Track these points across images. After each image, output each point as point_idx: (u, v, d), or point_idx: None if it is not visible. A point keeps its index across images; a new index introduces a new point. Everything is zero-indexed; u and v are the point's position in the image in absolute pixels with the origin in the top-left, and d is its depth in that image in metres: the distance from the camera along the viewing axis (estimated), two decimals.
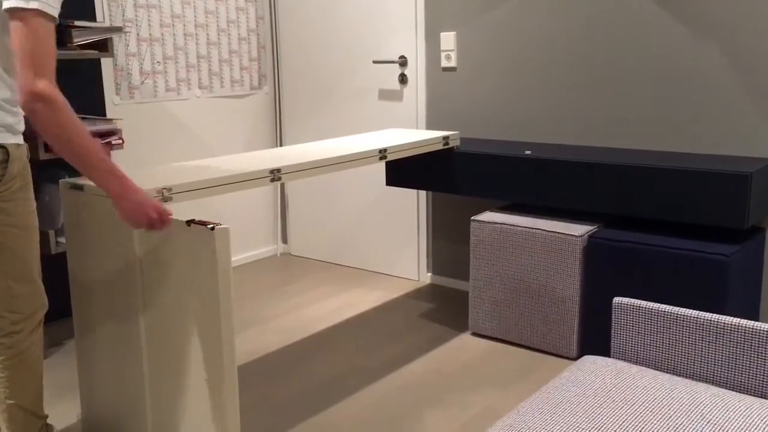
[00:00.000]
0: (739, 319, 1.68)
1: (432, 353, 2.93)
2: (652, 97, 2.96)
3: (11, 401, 2.02)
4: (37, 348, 2.05)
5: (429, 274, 3.80)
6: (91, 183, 2.23)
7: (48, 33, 1.68)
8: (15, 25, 1.65)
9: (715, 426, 1.46)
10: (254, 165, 2.31)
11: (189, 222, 1.83)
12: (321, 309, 3.46)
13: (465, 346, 2.99)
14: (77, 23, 2.96)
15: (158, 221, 1.81)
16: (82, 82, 3.25)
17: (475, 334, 3.10)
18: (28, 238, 1.93)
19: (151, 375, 2.07)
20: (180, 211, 1.97)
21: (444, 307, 3.44)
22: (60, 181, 2.16)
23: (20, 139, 1.92)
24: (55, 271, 3.13)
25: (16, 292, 1.94)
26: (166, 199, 1.98)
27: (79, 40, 2.96)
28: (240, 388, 2.67)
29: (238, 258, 4.18)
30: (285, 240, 4.41)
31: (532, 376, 2.70)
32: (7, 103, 1.88)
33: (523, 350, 2.93)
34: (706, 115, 2.85)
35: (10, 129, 1.88)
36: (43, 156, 2.89)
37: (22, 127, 1.94)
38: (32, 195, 1.96)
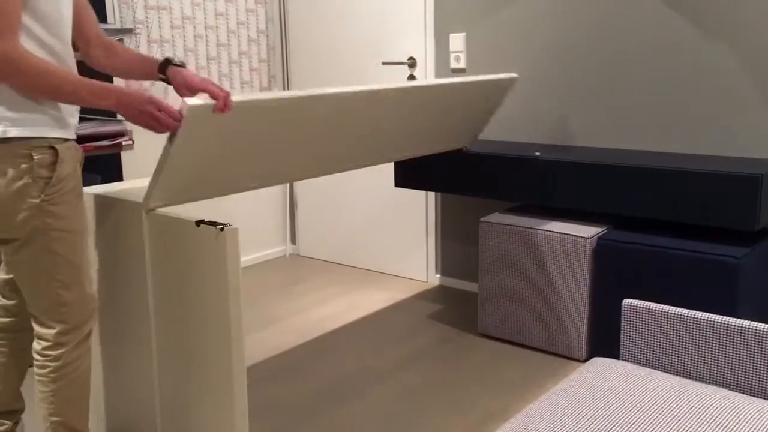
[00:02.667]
0: (749, 322, 1.67)
1: (440, 354, 2.93)
2: (661, 98, 2.95)
3: (55, 418, 1.89)
4: (84, 361, 1.91)
5: (437, 276, 3.80)
6: (100, 189, 2.24)
7: None
8: None
9: (725, 429, 1.45)
10: None
11: (198, 222, 1.83)
12: (329, 309, 3.46)
13: (473, 347, 2.99)
14: None
15: (164, 118, 1.74)
16: None
17: (483, 335, 3.10)
18: (78, 243, 1.83)
19: (160, 375, 2.08)
20: (188, 211, 1.97)
21: (452, 309, 3.44)
22: None
23: (70, 133, 1.80)
24: None
25: (65, 300, 1.82)
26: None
27: None
28: (249, 388, 2.68)
29: (246, 258, 4.19)
30: (294, 241, 4.42)
31: (540, 378, 2.70)
32: None
33: (531, 352, 2.93)
34: (717, 116, 2.84)
35: (58, 121, 1.76)
36: None
37: (73, 120, 1.83)
38: (82, 196, 1.87)
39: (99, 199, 2.11)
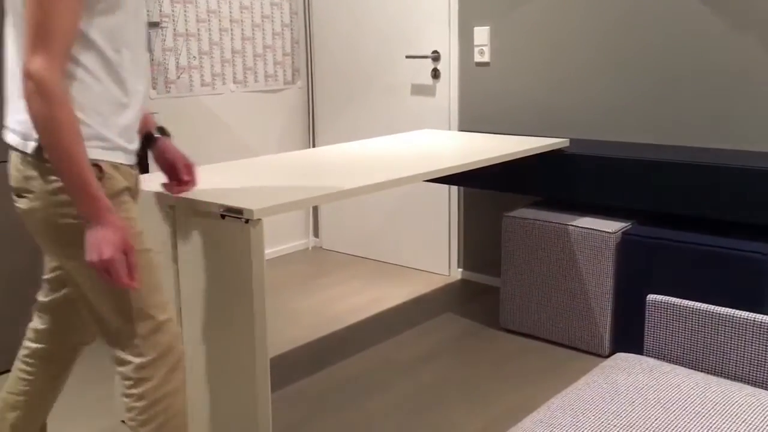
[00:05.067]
0: None
1: (462, 348, 2.93)
2: (690, 92, 2.92)
3: None
4: (176, 400, 1.66)
5: (460, 270, 3.80)
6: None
7: (61, 2, 1.37)
8: None
9: (750, 426, 1.44)
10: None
11: (223, 215, 1.85)
12: (351, 303, 3.48)
13: (496, 341, 2.99)
14: None
15: (109, 271, 1.49)
16: None
17: (505, 329, 3.09)
18: (138, 266, 1.59)
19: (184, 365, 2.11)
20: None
21: (474, 303, 3.43)
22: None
23: (119, 157, 1.57)
24: None
25: (134, 330, 1.60)
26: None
27: None
28: (272, 379, 2.70)
29: (269, 251, 4.22)
30: (316, 234, 4.44)
31: (563, 373, 2.69)
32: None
33: (554, 347, 2.92)
34: (744, 110, 2.80)
35: (105, 142, 1.54)
36: None
37: (129, 145, 1.60)
38: (134, 216, 1.63)
39: None
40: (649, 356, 1.84)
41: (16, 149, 1.54)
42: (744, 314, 1.69)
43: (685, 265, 2.53)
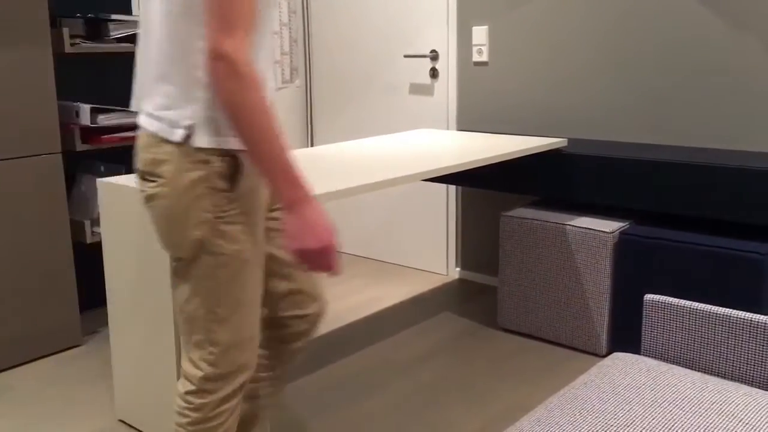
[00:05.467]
0: None
1: (460, 348, 2.93)
2: (687, 92, 2.93)
3: None
4: (227, 422, 1.60)
5: (458, 269, 3.80)
6: (125, 180, 2.27)
7: None
8: None
9: (747, 425, 1.45)
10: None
11: None
12: (349, 302, 3.48)
13: (493, 341, 2.99)
14: (113, 17, 3.01)
15: (325, 257, 1.42)
16: (118, 75, 3.31)
17: (503, 329, 3.09)
18: (248, 275, 1.53)
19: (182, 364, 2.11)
20: None
21: (472, 302, 3.44)
22: (96, 179, 2.20)
23: None
24: (91, 260, 3.20)
25: (217, 339, 1.53)
26: None
27: (115, 33, 3.01)
28: None
29: None
30: None
31: (560, 373, 2.69)
32: None
33: (551, 346, 2.92)
34: (741, 111, 2.81)
35: None
36: (79, 147, 2.95)
37: None
38: (260, 223, 1.56)
39: (123, 190, 2.13)
40: (646, 356, 1.84)
41: (155, 135, 1.47)
42: (741, 314, 1.69)
43: (682, 265, 2.53)
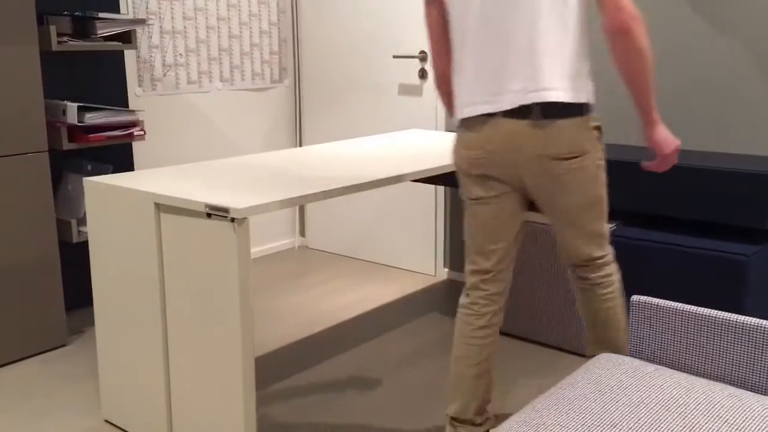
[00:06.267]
0: (758, 320, 1.67)
1: (448, 348, 2.93)
2: (677, 95, 2.94)
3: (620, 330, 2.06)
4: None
5: (446, 270, 3.81)
6: (111, 180, 2.27)
7: None
8: None
9: (732, 426, 1.46)
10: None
11: (209, 213, 1.85)
12: (338, 302, 3.48)
13: None
14: (101, 15, 2.99)
15: (674, 156, 1.93)
16: (105, 74, 3.29)
17: None
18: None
19: (171, 365, 2.10)
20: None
21: None
22: (83, 178, 2.19)
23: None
24: (77, 259, 3.18)
25: (606, 234, 2.01)
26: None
27: (103, 31, 3.00)
28: (257, 378, 2.69)
29: (255, 250, 4.21)
30: (303, 233, 4.43)
31: (548, 374, 2.70)
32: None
33: (539, 347, 2.93)
34: (730, 114, 2.83)
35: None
36: (66, 146, 2.93)
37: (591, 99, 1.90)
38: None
39: (110, 190, 2.12)
40: (632, 357, 1.85)
41: (574, 116, 1.81)
42: (728, 315, 1.70)
43: (668, 266, 2.54)
